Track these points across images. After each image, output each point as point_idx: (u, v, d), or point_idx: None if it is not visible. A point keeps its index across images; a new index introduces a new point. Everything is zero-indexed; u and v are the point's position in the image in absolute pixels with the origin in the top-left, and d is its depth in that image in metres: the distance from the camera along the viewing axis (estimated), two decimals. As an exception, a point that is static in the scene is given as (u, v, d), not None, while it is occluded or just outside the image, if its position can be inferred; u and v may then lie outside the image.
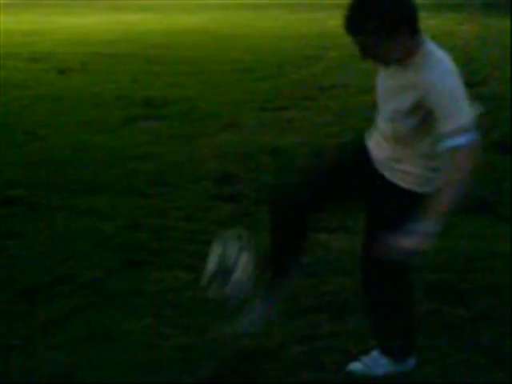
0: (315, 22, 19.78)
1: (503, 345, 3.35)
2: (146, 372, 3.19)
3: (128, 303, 3.78)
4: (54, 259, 4.34)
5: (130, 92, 9.87)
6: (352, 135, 3.29)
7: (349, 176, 3.06)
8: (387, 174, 2.94)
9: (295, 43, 15.30)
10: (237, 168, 6.15)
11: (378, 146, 3.00)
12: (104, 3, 26.40)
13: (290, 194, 3.22)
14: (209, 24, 20.03)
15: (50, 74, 11.55)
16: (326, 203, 3.18)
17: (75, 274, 4.11)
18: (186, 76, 11.25)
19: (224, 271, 3.11)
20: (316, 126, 7.76)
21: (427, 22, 18.70)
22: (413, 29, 2.76)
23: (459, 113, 2.70)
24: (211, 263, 3.14)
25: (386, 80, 2.91)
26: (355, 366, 3.17)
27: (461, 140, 2.68)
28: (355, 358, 3.19)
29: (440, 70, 2.74)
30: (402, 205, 2.90)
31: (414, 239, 2.71)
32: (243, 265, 3.13)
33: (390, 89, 2.88)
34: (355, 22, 2.74)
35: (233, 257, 3.15)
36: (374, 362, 3.15)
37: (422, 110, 2.77)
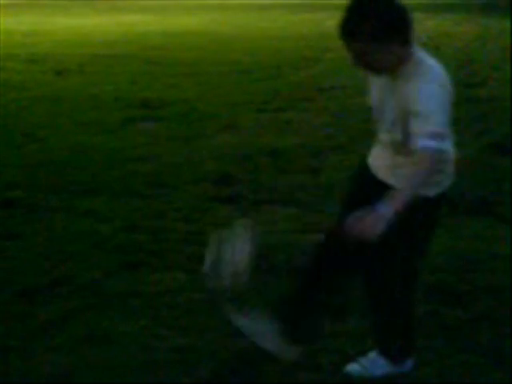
0: (314, 23, 19.78)
1: (502, 346, 3.35)
2: (143, 373, 3.18)
3: (126, 304, 3.78)
4: (52, 260, 4.34)
5: (128, 93, 9.88)
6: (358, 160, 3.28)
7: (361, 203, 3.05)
8: (393, 181, 2.94)
9: (294, 44, 15.31)
10: (235, 169, 6.16)
11: (380, 155, 3.03)
12: (104, 4, 26.42)
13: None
14: (208, 25, 20.03)
15: (48, 76, 11.56)
16: None
17: (73, 276, 4.11)
18: (185, 77, 11.25)
19: (223, 262, 3.10)
20: (314, 127, 7.77)
21: (425, 22, 18.75)
22: (406, 38, 2.78)
23: (434, 119, 2.70)
24: (211, 253, 3.12)
25: (379, 92, 2.94)
26: (353, 367, 3.16)
27: (430, 143, 2.68)
28: (353, 359, 3.19)
29: (428, 78, 2.76)
30: (411, 209, 2.90)
31: (373, 218, 2.67)
32: (242, 256, 3.11)
33: (384, 100, 2.90)
34: (351, 25, 2.75)
35: (233, 247, 3.13)
36: (372, 363, 3.15)
37: (408, 118, 2.78)
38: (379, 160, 3.04)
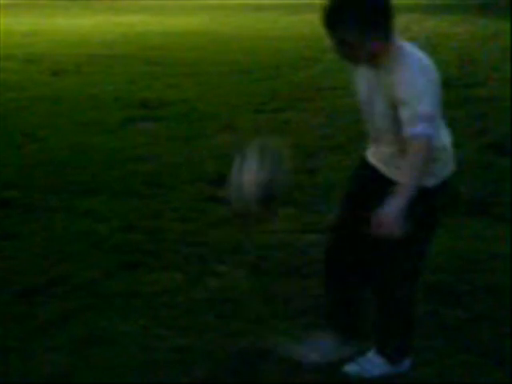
0: (313, 23, 19.79)
1: (502, 346, 3.35)
2: (142, 373, 3.19)
3: (124, 305, 3.78)
4: (50, 260, 4.34)
5: (127, 93, 9.88)
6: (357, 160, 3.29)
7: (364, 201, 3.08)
8: (393, 175, 2.96)
9: (293, 45, 15.31)
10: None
11: (376, 152, 3.04)
12: (103, 4, 26.41)
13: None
14: (207, 25, 20.02)
15: (45, 76, 11.56)
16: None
17: (71, 276, 4.11)
18: (184, 77, 11.25)
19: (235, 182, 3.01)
20: (313, 127, 7.77)
21: (423, 23, 18.76)
22: (387, 28, 2.82)
23: (418, 102, 2.74)
24: (232, 176, 3.01)
25: (366, 86, 2.96)
26: (350, 367, 3.17)
27: (416, 130, 2.73)
28: (351, 359, 3.20)
29: (409, 65, 2.80)
30: (411, 203, 2.92)
31: (387, 219, 2.75)
32: (250, 170, 3.00)
33: (372, 94, 2.93)
34: (332, 14, 2.80)
35: (241, 168, 3.05)
36: (370, 363, 3.15)
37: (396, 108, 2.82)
38: (376, 155, 3.05)
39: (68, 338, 3.46)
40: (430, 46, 12.07)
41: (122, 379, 3.16)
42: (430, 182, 2.93)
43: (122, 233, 4.77)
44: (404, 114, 2.77)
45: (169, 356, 3.29)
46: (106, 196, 5.52)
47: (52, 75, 11.57)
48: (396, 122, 2.84)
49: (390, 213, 2.75)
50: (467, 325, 3.54)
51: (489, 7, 23.10)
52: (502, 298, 3.81)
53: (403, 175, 2.80)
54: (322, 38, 2.90)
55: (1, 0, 24.55)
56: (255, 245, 4.54)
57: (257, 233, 4.73)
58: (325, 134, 7.38)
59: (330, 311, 3.33)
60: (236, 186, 2.93)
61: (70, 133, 7.66)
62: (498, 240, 4.60)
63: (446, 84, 10.17)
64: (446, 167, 3.00)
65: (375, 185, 3.03)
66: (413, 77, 2.78)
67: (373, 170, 3.08)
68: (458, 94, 9.38)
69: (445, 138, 2.99)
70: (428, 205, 2.96)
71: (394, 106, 2.82)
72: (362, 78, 2.99)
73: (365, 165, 3.13)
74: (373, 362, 3.14)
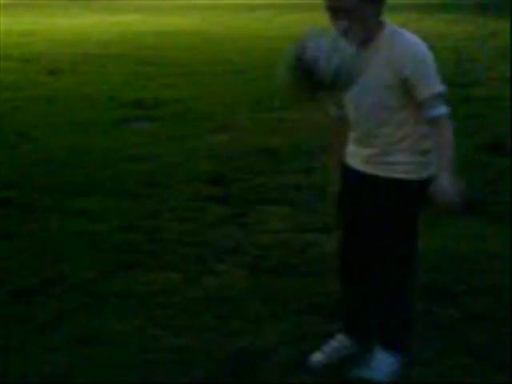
0: (308, 23, 19.76)
1: (499, 346, 3.34)
2: (139, 373, 3.18)
3: (121, 305, 3.77)
4: (46, 260, 4.33)
5: (122, 93, 9.87)
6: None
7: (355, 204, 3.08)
8: (381, 172, 2.95)
9: (287, 44, 15.30)
10: (229, 169, 6.16)
11: (363, 149, 3.01)
12: (100, 4, 26.39)
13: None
14: (201, 25, 20.01)
15: (41, 75, 11.53)
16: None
17: (68, 276, 4.10)
18: (179, 77, 11.24)
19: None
20: (307, 126, 7.76)
21: (420, 22, 18.77)
22: (380, 7, 2.85)
23: (435, 80, 2.81)
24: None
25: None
26: (350, 368, 3.15)
27: (442, 110, 2.81)
28: (349, 360, 3.18)
29: (411, 41, 2.84)
30: (402, 196, 2.92)
31: (448, 181, 2.84)
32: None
33: (364, 83, 2.85)
34: None
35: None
36: (368, 363, 3.14)
37: (400, 86, 2.82)
38: (365, 151, 3.01)
39: (64, 337, 3.45)
40: (427, 46, 12.06)
41: (119, 379, 3.14)
42: (425, 172, 2.93)
43: (118, 232, 4.76)
44: (423, 94, 2.79)
45: (167, 356, 3.28)
46: (102, 196, 5.51)
47: (48, 75, 11.56)
48: (395, 100, 2.84)
49: (448, 185, 2.83)
50: (465, 325, 3.54)
51: (486, 6, 23.13)
52: (500, 298, 3.80)
53: (443, 151, 2.85)
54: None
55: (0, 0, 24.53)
56: (254, 244, 4.53)
57: (255, 232, 4.73)
58: (320, 134, 7.37)
59: (348, 312, 3.29)
60: (325, 58, 2.70)
61: (65, 132, 7.64)
62: (495, 240, 4.59)
63: (444, 83, 10.22)
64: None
65: (360, 186, 3.03)
66: (421, 51, 2.82)
67: (354, 173, 3.06)
68: (456, 93, 9.38)
69: None
70: (422, 196, 2.94)
71: (393, 88, 2.82)
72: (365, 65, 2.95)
73: (346, 171, 3.11)
74: (371, 362, 3.12)
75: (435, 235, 4.58)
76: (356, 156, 3.06)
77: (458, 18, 20.93)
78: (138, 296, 3.86)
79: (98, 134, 7.57)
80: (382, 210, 2.96)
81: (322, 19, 3.03)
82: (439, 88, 2.82)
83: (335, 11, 2.84)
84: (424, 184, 2.89)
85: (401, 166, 2.92)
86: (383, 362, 3.11)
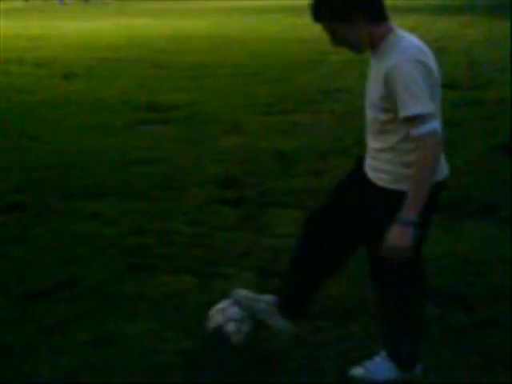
0: (317, 26, 19.77)
1: (509, 350, 3.33)
2: (149, 376, 3.19)
3: (132, 307, 3.78)
4: (58, 263, 4.35)
5: (135, 97, 9.90)
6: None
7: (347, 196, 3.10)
8: (369, 173, 2.98)
9: (299, 47, 15.31)
10: (241, 172, 6.16)
11: (368, 153, 3.03)
12: (110, 8, 26.47)
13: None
14: (212, 28, 20.06)
15: (55, 79, 11.59)
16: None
17: (80, 278, 4.11)
18: (191, 80, 11.27)
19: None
20: (319, 129, 7.77)
21: (432, 24, 18.74)
22: (373, 15, 2.82)
23: (413, 101, 2.72)
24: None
25: (369, 79, 2.95)
26: (357, 371, 3.16)
27: (422, 129, 2.72)
28: (357, 364, 3.18)
29: (403, 57, 2.77)
30: (380, 204, 2.91)
31: (398, 232, 2.75)
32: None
33: (370, 80, 2.92)
34: (314, 7, 2.86)
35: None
36: (376, 368, 3.13)
37: (387, 99, 2.79)
38: (367, 159, 3.05)
39: (75, 340, 3.46)
40: (439, 48, 12.06)
41: (130, 381, 3.16)
42: (401, 186, 2.87)
43: (130, 235, 4.78)
44: (400, 113, 2.75)
45: (176, 359, 3.29)
46: (115, 199, 5.53)
47: (62, 79, 11.61)
48: (384, 112, 2.84)
49: (399, 235, 2.75)
50: (474, 329, 3.52)
51: (499, 8, 23.04)
52: (509, 301, 3.78)
53: (411, 184, 2.77)
54: (326, 40, 2.92)
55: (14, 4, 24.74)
56: (265, 248, 4.53)
57: (267, 236, 4.74)
58: (333, 137, 7.37)
59: (289, 281, 3.32)
60: None
61: (77, 136, 7.68)
62: (505, 243, 4.57)
63: (455, 85, 10.21)
64: (441, 167, 2.95)
65: (358, 186, 3.03)
66: (410, 68, 2.74)
67: (362, 174, 3.06)
68: (467, 95, 9.37)
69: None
70: (398, 207, 2.86)
71: (384, 93, 2.80)
72: (370, 70, 2.98)
73: (359, 165, 3.12)
74: (379, 366, 3.12)
75: (448, 239, 4.57)
76: (366, 157, 3.08)
77: (472, 20, 20.88)
78: (150, 299, 3.87)
79: (111, 137, 7.60)
80: (364, 207, 2.99)
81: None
82: (415, 110, 2.71)
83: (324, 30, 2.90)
84: (403, 196, 2.83)
85: (383, 174, 2.92)
86: (382, 367, 3.12)
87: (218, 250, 4.53)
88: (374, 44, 2.85)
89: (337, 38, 2.87)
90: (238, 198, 5.48)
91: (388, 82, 2.76)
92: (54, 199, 5.53)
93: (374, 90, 2.87)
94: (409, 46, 2.81)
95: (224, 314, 3.36)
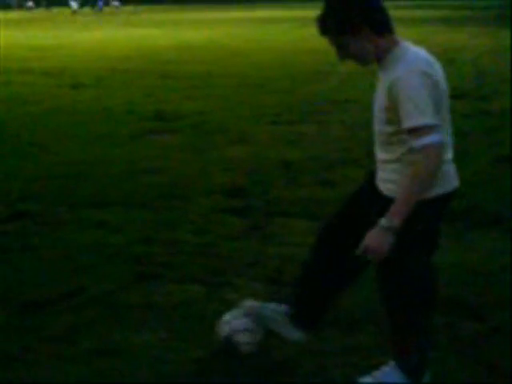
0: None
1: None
2: (156, 385, 3.19)
3: (139, 316, 3.77)
4: (65, 272, 4.34)
5: (142, 106, 9.94)
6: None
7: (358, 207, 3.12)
8: (379, 185, 2.98)
9: (306, 58, 15.34)
10: (247, 181, 6.16)
11: (377, 165, 3.04)
12: (118, 18, 26.58)
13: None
14: (219, 39, 20.12)
15: (63, 89, 11.63)
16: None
17: (86, 287, 4.11)
18: (198, 90, 11.30)
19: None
20: (327, 140, 7.77)
21: (441, 35, 18.74)
22: (378, 29, 2.84)
23: (416, 112, 2.73)
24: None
25: (377, 91, 2.96)
26: (364, 380, 3.14)
27: (420, 142, 2.73)
28: (365, 372, 3.17)
29: (407, 68, 2.78)
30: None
31: (377, 235, 2.79)
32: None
33: (377, 92, 2.94)
34: (320, 22, 2.89)
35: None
36: (385, 377, 3.12)
37: (391, 110, 2.81)
38: (377, 172, 3.07)
39: (82, 349, 3.45)
40: (447, 59, 12.06)
41: (137, 391, 3.15)
42: (428, 193, 2.88)
43: (137, 244, 4.77)
44: (404, 125, 2.76)
45: (184, 368, 3.28)
46: (121, 208, 5.53)
47: (71, 88, 11.66)
48: (389, 124, 2.85)
49: (379, 231, 2.78)
50: (482, 338, 3.51)
51: (507, 19, 23.04)
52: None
53: (401, 190, 2.79)
54: (333, 51, 2.94)
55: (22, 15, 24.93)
56: (272, 257, 4.52)
57: (274, 245, 4.73)
58: (341, 147, 7.37)
59: (302, 292, 3.31)
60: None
61: (84, 145, 7.70)
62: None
63: (462, 96, 10.20)
64: (445, 178, 2.93)
65: (370, 198, 3.04)
66: (410, 86, 2.75)
67: (374, 187, 3.07)
68: (474, 106, 9.36)
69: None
70: (423, 218, 2.90)
71: (388, 105, 2.81)
72: (377, 82, 2.99)
73: (370, 178, 3.13)
74: (388, 376, 3.11)
75: (457, 249, 4.55)
76: (376, 170, 3.09)
77: (480, 30, 20.88)
78: (157, 308, 3.86)
79: (117, 146, 7.62)
80: (373, 218, 2.98)
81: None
82: (419, 122, 2.72)
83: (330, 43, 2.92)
84: (425, 205, 2.83)
85: (390, 185, 2.93)
86: (390, 376, 3.10)
87: (225, 259, 4.52)
88: (380, 57, 2.88)
89: (343, 52, 2.90)
90: (244, 208, 5.48)
91: (392, 94, 2.78)
92: (60, 208, 5.54)
93: (378, 102, 2.89)
94: (414, 57, 2.83)
95: (234, 324, 3.35)
